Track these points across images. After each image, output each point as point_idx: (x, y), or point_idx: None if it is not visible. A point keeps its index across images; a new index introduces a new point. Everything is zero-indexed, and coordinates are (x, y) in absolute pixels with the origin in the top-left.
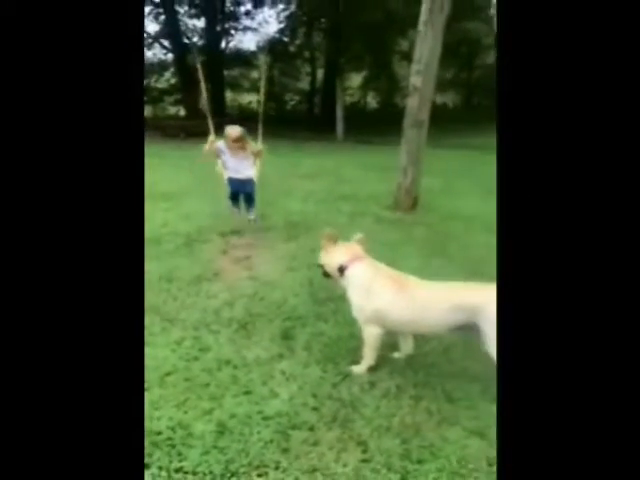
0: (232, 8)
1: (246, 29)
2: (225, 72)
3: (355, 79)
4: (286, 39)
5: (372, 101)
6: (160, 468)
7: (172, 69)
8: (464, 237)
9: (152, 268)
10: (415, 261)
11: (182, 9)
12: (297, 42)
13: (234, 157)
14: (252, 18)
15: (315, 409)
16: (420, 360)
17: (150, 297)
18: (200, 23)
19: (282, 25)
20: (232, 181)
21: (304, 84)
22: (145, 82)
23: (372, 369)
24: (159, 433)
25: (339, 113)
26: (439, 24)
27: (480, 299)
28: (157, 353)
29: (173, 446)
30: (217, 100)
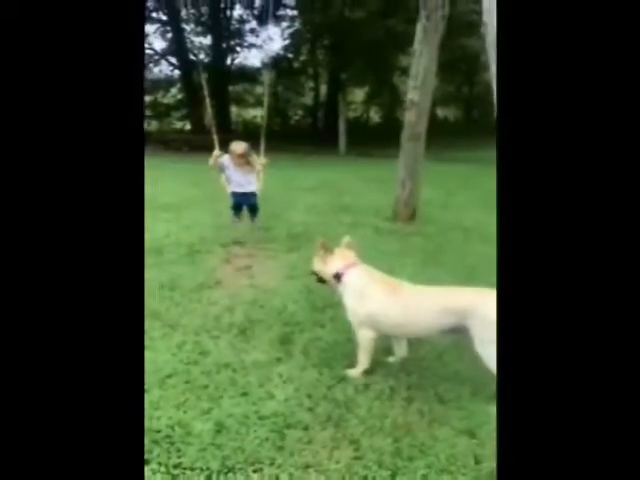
0: (237, 26)
1: (251, 46)
2: (230, 88)
3: (358, 94)
4: (290, 55)
5: (375, 116)
6: (159, 464)
7: (178, 85)
8: (460, 247)
9: (154, 276)
10: (411, 269)
11: (189, 27)
12: (301, 58)
13: (238, 172)
14: (257, 35)
15: (310, 410)
16: (414, 364)
17: (152, 304)
18: (206, 40)
19: (286, 42)
20: (235, 194)
21: (307, 99)
22: (152, 97)
23: (367, 372)
24: (159, 431)
25: (341, 127)
26: (434, 42)
27: (469, 302)
28: (158, 357)
29: (172, 443)
30: (222, 115)
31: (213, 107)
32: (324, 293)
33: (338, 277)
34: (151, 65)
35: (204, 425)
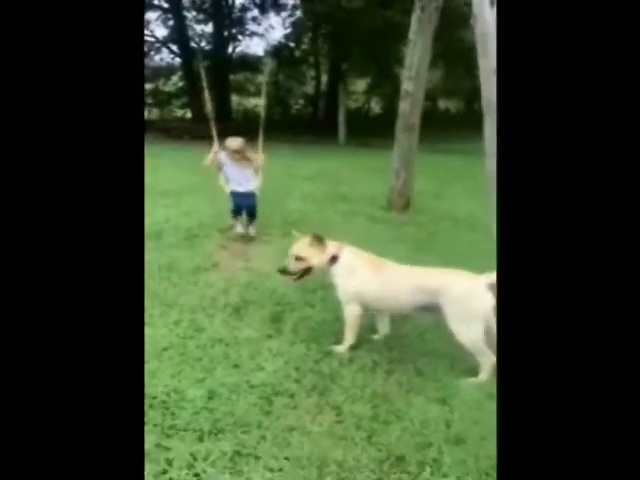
0: (239, 13)
1: (253, 34)
2: (231, 76)
3: (360, 84)
4: (292, 44)
5: (376, 106)
6: (155, 425)
7: (180, 73)
8: (450, 236)
9: (153, 259)
10: (404, 256)
11: (190, 14)
12: (302, 47)
13: (236, 168)
14: (259, 24)
15: (297, 380)
16: (397, 341)
17: (151, 284)
18: (208, 28)
19: (287, 31)
20: (234, 195)
21: (309, 88)
22: (153, 85)
23: (352, 348)
24: (155, 397)
25: (341, 117)
26: (428, 33)
27: (440, 282)
28: (156, 332)
29: (167, 408)
30: (223, 104)
31: (212, 96)
32: (315, 276)
33: (334, 259)
34: (152, 53)
35: (197, 392)
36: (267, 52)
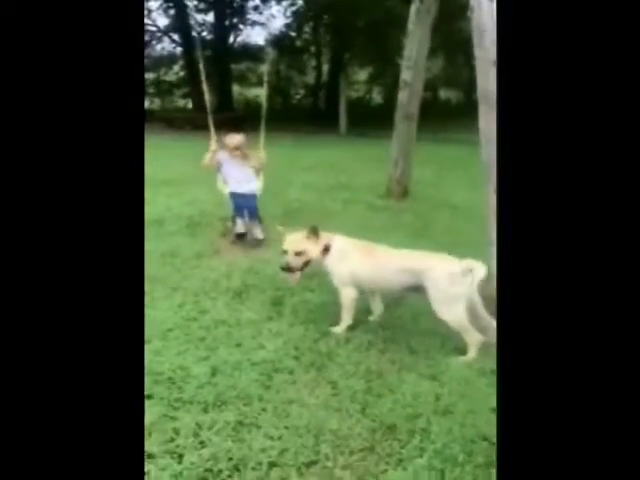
0: (240, 3)
1: (254, 24)
2: (233, 66)
3: (362, 74)
4: (293, 34)
5: (377, 96)
6: (161, 398)
7: (181, 62)
8: (447, 223)
9: (156, 245)
10: (401, 243)
11: (191, 3)
12: (304, 37)
13: (235, 166)
14: (260, 13)
15: (296, 358)
16: (392, 322)
17: (154, 269)
18: (209, 17)
19: (289, 20)
20: (235, 196)
21: (310, 78)
22: (154, 75)
23: (349, 329)
24: (161, 373)
25: (342, 107)
26: (427, 24)
27: (423, 264)
28: (160, 314)
29: (173, 382)
30: (224, 94)
31: (214, 87)
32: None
33: (327, 249)
34: (153, 42)
35: (201, 368)
36: (268, 41)
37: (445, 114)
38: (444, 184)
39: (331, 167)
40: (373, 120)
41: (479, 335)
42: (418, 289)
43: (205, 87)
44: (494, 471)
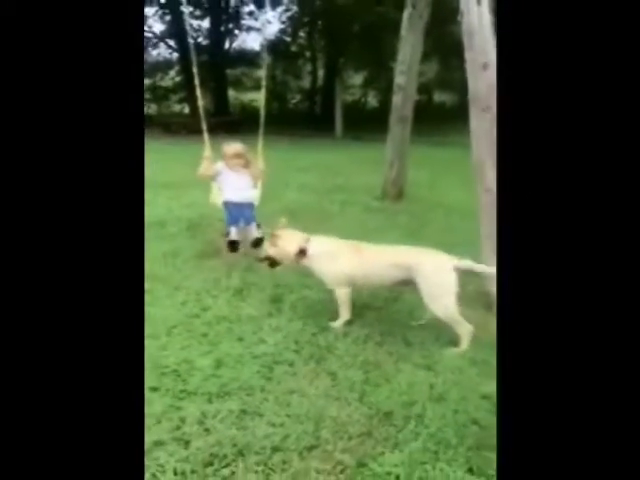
0: (236, 8)
1: (249, 29)
2: (228, 71)
3: (357, 78)
4: (288, 39)
5: (372, 100)
6: (167, 390)
7: (177, 68)
8: (442, 223)
9: (157, 246)
10: (397, 242)
11: (187, 10)
12: (299, 42)
13: (232, 175)
14: (255, 19)
15: (296, 351)
16: (388, 316)
17: (156, 269)
18: (205, 23)
19: (283, 26)
20: (229, 206)
21: (305, 83)
22: (151, 81)
23: (347, 323)
24: (166, 367)
25: (338, 111)
26: (419, 29)
27: (412, 259)
28: (163, 312)
29: (178, 375)
30: (220, 99)
31: (210, 91)
32: None
33: (303, 252)
34: (149, 48)
35: (205, 361)
36: (263, 47)
37: (439, 117)
38: (439, 186)
39: (327, 169)
40: (368, 123)
41: (469, 326)
42: (408, 283)
43: (199, 92)
44: (485, 453)
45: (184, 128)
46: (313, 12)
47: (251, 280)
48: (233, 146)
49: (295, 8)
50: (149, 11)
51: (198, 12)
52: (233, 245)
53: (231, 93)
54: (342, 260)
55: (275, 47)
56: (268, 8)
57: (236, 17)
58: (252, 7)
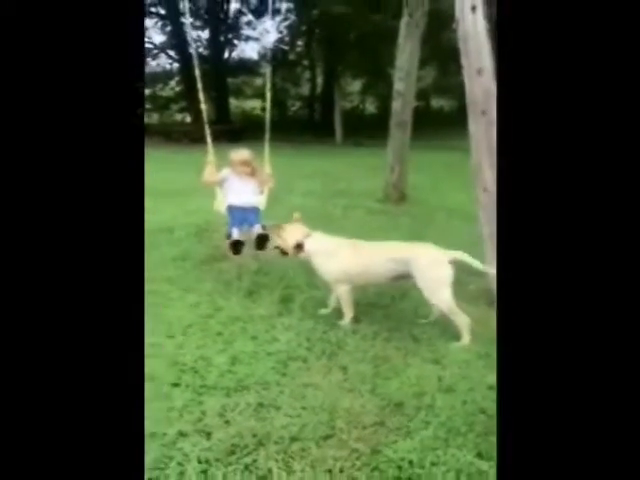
0: (234, 19)
1: (248, 39)
2: (229, 80)
3: (355, 85)
4: (286, 48)
5: (370, 106)
6: (187, 386)
7: (177, 78)
8: (444, 225)
9: (166, 251)
10: None
11: (187, 20)
12: (297, 50)
13: (238, 181)
14: (253, 28)
15: (308, 348)
16: (395, 314)
17: (166, 272)
18: (204, 34)
19: (282, 35)
20: (233, 210)
21: (305, 90)
22: (152, 90)
23: (355, 321)
24: (184, 364)
25: (337, 118)
26: (416, 37)
27: (408, 252)
28: (177, 313)
29: (196, 372)
30: (221, 107)
31: (211, 100)
32: None
33: (300, 247)
34: (149, 59)
35: (222, 359)
36: (262, 55)
37: (438, 122)
38: (439, 188)
39: (329, 175)
40: (367, 129)
41: (467, 318)
42: (406, 277)
43: (202, 97)
44: (492, 439)
45: (185, 136)
46: (311, 21)
47: (261, 282)
48: (240, 153)
49: (293, 17)
50: (149, 22)
51: (198, 23)
52: (236, 246)
53: (232, 102)
54: (339, 257)
55: (274, 56)
56: (266, 18)
57: (235, 27)
58: (250, 17)
